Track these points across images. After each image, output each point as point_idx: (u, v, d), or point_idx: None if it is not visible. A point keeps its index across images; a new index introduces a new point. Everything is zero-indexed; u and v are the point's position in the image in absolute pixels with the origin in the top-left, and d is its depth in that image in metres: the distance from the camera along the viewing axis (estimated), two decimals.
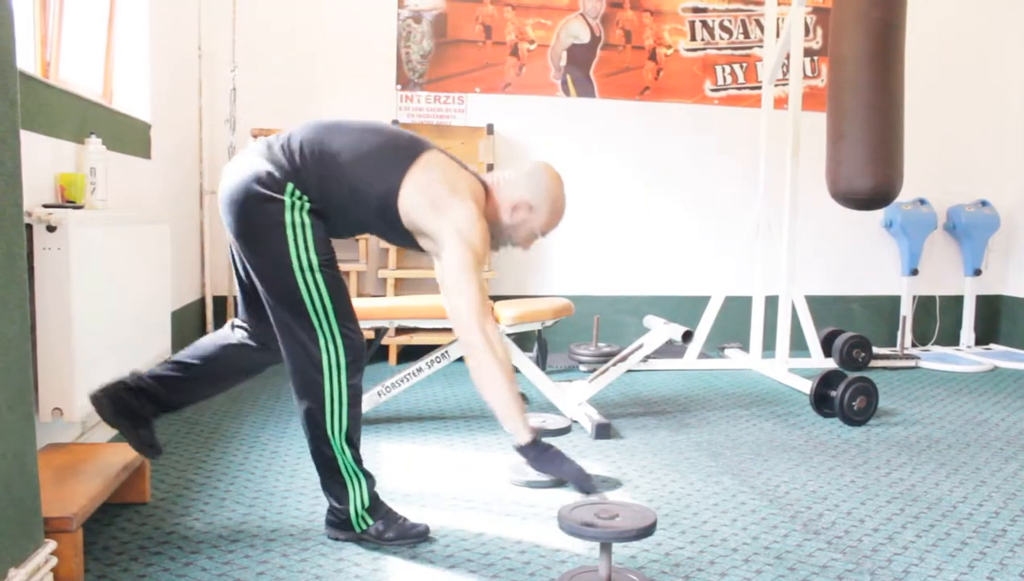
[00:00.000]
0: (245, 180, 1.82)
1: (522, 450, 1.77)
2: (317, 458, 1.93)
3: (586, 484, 1.76)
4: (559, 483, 2.39)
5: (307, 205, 1.80)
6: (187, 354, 2.06)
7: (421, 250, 1.96)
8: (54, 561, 1.57)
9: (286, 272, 1.79)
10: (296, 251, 1.78)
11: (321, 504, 2.25)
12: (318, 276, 1.80)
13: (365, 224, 1.97)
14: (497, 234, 2.05)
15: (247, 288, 1.99)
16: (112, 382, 1.98)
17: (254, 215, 1.79)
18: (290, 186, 1.79)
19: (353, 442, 1.91)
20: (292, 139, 1.87)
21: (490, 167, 4.40)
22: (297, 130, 1.91)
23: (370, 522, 1.93)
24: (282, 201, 1.78)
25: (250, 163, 1.84)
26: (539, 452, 1.74)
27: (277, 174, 1.80)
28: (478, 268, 1.84)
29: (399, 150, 1.91)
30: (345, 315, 1.84)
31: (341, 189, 1.84)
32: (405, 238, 1.93)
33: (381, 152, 1.88)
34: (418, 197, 1.88)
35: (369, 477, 1.97)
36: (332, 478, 1.94)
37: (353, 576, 1.84)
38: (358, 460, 1.94)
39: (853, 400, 3.21)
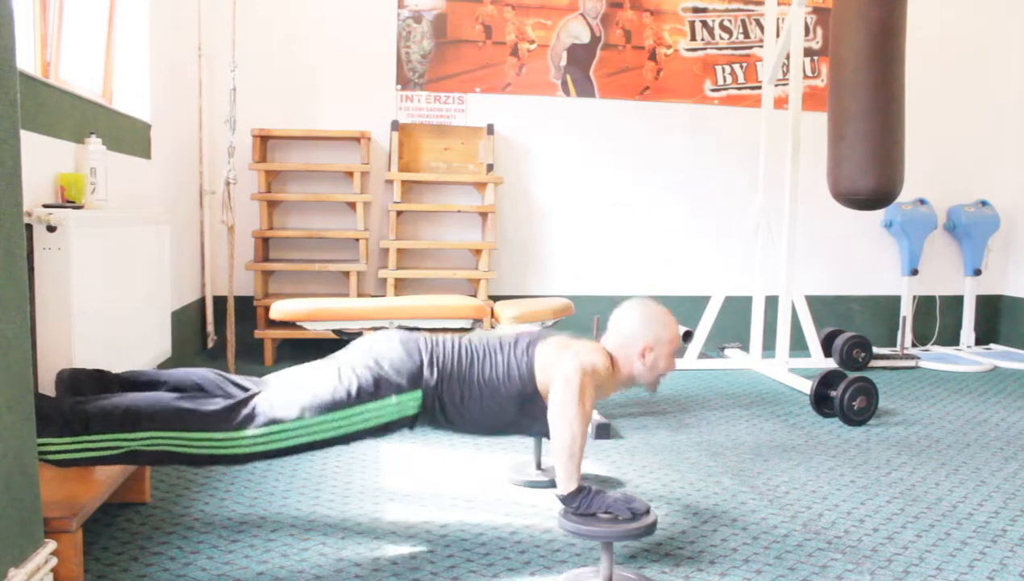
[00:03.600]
0: None
1: (567, 498, 1.76)
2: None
3: (636, 505, 1.74)
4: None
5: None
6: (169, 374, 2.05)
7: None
8: (54, 561, 1.57)
9: None
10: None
11: (321, 504, 2.26)
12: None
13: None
14: (635, 383, 2.11)
15: None
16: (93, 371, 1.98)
17: None
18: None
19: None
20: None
21: (490, 167, 4.41)
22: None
23: None
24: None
25: None
26: (584, 496, 1.74)
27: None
28: (590, 382, 1.85)
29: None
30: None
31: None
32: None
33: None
34: (551, 352, 1.99)
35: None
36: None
37: (353, 576, 1.84)
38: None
39: (853, 400, 3.21)
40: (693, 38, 4.77)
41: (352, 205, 4.30)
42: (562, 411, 1.81)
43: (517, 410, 1.99)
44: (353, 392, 1.88)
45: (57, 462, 1.76)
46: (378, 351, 1.96)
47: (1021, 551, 2.06)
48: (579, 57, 4.65)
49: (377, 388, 1.90)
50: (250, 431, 1.81)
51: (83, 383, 1.92)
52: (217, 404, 1.82)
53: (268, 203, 4.27)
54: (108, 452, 1.77)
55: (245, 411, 1.82)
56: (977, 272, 5.04)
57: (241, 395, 1.87)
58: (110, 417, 1.76)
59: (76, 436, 1.75)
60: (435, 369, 1.95)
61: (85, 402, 1.79)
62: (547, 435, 1.95)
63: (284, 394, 1.87)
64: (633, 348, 2.05)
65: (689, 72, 4.78)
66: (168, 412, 1.79)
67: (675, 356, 2.11)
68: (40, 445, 1.71)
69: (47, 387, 2.01)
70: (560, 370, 1.88)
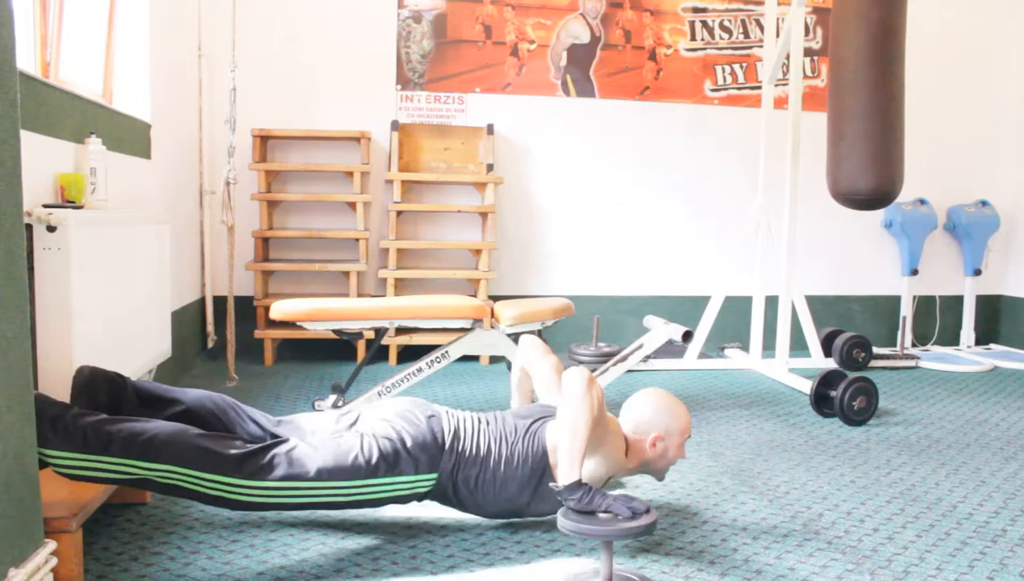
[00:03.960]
0: None
1: (567, 489, 1.76)
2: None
3: (636, 505, 1.74)
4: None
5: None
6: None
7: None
8: (54, 561, 1.57)
9: None
10: None
11: None
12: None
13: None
14: (644, 470, 2.15)
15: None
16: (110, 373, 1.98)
17: None
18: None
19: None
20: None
21: (490, 167, 4.41)
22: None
23: None
24: None
25: None
26: (585, 491, 1.75)
27: None
28: (593, 409, 1.86)
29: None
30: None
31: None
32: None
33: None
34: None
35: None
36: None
37: (353, 576, 1.84)
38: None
39: (853, 400, 3.21)
40: (693, 38, 4.77)
41: (352, 205, 4.30)
42: (569, 398, 1.83)
43: (531, 493, 2.03)
44: (372, 463, 1.91)
45: (65, 474, 1.76)
46: (402, 426, 1.99)
47: (1021, 551, 2.06)
48: (579, 57, 4.65)
49: (395, 464, 1.93)
50: (265, 482, 1.82)
51: (99, 385, 1.92)
52: (237, 448, 1.82)
53: (268, 203, 4.27)
54: (119, 476, 1.77)
55: (263, 460, 1.83)
56: (977, 272, 5.04)
57: (260, 442, 1.88)
58: (131, 444, 1.75)
59: (93, 455, 1.75)
60: (454, 455, 1.99)
61: (108, 423, 1.78)
62: (550, 514, 2.01)
63: (304, 452, 1.87)
64: (645, 436, 2.10)
65: (689, 72, 4.78)
66: (189, 450, 1.78)
67: (684, 446, 2.15)
68: (52, 456, 1.72)
69: (47, 387, 2.01)
70: (567, 371, 1.90)
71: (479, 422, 2.09)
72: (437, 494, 2.02)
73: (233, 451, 1.81)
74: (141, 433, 1.77)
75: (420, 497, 2.02)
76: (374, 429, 1.97)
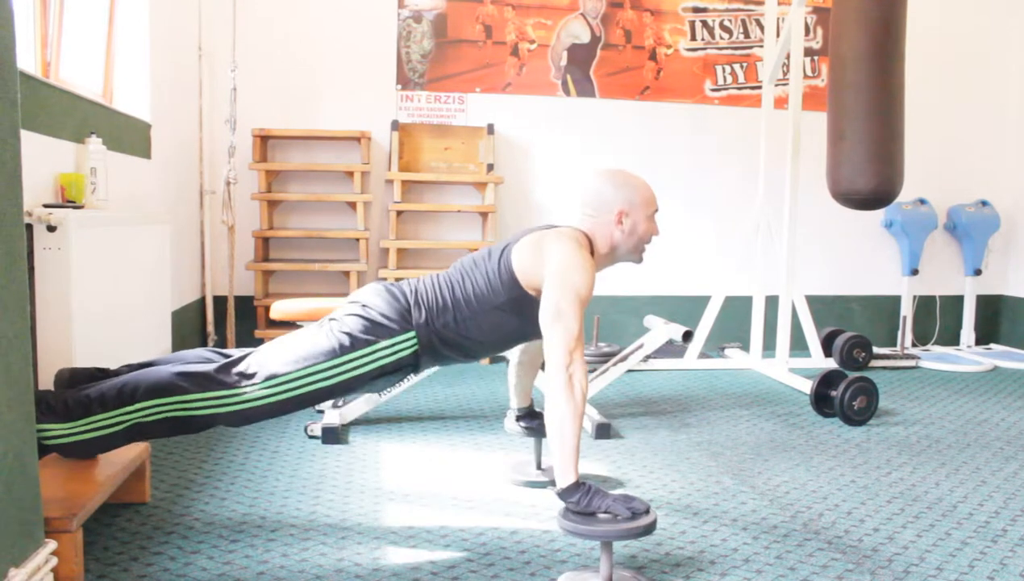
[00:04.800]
0: None
1: (565, 492, 1.75)
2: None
3: (636, 505, 1.73)
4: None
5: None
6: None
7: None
8: (54, 561, 1.57)
9: None
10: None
11: (321, 504, 2.26)
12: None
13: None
14: (619, 256, 2.11)
15: None
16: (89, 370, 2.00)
17: None
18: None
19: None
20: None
21: (490, 167, 4.41)
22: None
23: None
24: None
25: None
26: (583, 492, 1.73)
27: None
28: (577, 309, 1.84)
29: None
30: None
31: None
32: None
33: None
34: (526, 252, 1.97)
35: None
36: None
37: (353, 576, 1.84)
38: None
39: (853, 400, 3.21)
40: (693, 38, 4.77)
41: (352, 205, 4.30)
42: (553, 403, 1.79)
43: (515, 317, 1.99)
44: (345, 341, 1.91)
45: (61, 447, 1.77)
46: (364, 300, 2.00)
47: (1021, 551, 2.06)
48: (579, 57, 4.65)
49: (368, 333, 1.93)
50: (249, 386, 1.84)
51: (81, 382, 1.93)
52: (212, 365, 1.85)
53: (268, 203, 4.27)
54: (111, 429, 1.79)
55: (240, 368, 1.86)
56: (977, 272, 5.04)
57: (235, 355, 1.91)
58: (108, 395, 1.79)
59: (79, 420, 1.77)
60: (422, 308, 1.97)
61: (83, 388, 1.83)
62: None
63: (278, 349, 1.91)
64: (608, 217, 2.03)
65: (689, 72, 4.78)
66: (165, 379, 1.82)
67: (655, 219, 2.07)
68: (43, 430, 1.73)
69: (47, 387, 2.02)
70: (547, 356, 1.83)
71: (437, 275, 2.07)
72: (428, 352, 1.99)
73: (208, 368, 1.84)
74: (115, 383, 1.82)
75: (413, 364, 1.99)
76: (340, 313, 1.98)
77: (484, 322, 1.99)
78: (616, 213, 2.02)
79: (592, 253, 2.04)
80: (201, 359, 2.00)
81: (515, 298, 1.99)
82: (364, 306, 1.98)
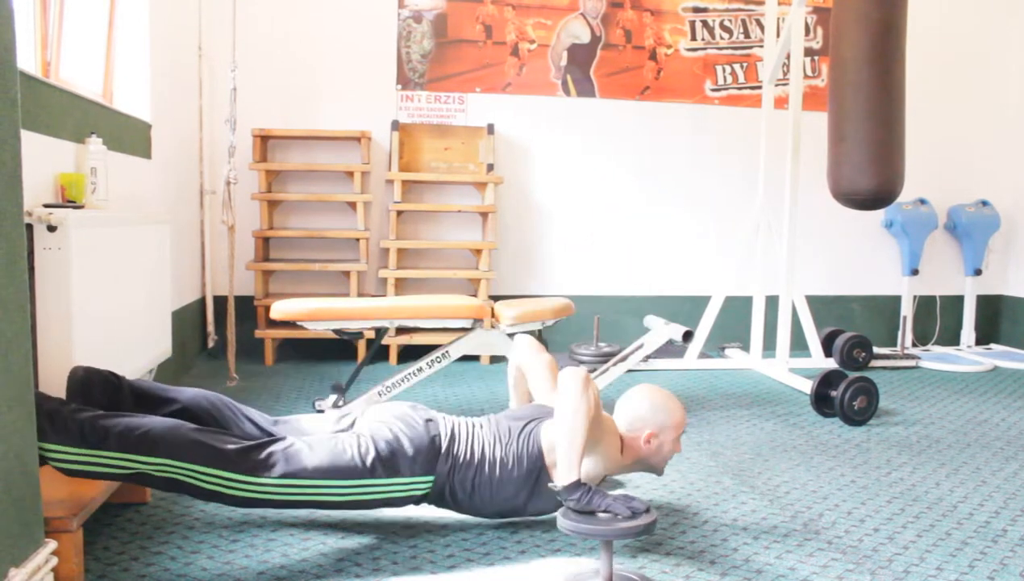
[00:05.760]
0: None
1: (566, 489, 1.77)
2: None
3: (636, 504, 1.74)
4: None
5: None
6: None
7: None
8: (54, 561, 1.57)
9: None
10: None
11: None
12: None
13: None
14: (640, 468, 2.15)
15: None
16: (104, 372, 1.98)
17: None
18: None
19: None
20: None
21: (490, 167, 4.41)
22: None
23: None
24: None
25: None
26: (584, 491, 1.75)
27: None
28: (593, 382, 1.90)
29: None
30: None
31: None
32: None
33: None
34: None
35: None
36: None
37: (353, 576, 1.84)
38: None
39: (853, 400, 3.21)
40: (693, 38, 4.77)
41: (352, 205, 4.30)
42: (564, 401, 1.83)
43: (527, 491, 2.03)
44: (368, 464, 1.91)
45: (64, 470, 1.76)
46: (399, 427, 1.99)
47: (1021, 551, 2.06)
48: (579, 57, 4.65)
49: (392, 465, 1.93)
50: (263, 479, 1.82)
51: (95, 385, 1.92)
52: (235, 444, 1.83)
53: (268, 203, 4.27)
54: (117, 471, 1.78)
55: (260, 456, 1.83)
56: (978, 272, 5.04)
57: (257, 439, 1.89)
58: (127, 438, 1.75)
59: (90, 449, 1.75)
60: (451, 457, 2.00)
61: (104, 417, 1.78)
62: (548, 512, 2.03)
63: (301, 450, 1.88)
64: (638, 434, 2.10)
65: (689, 72, 4.78)
66: (186, 444, 1.79)
67: (679, 441, 2.14)
68: (51, 450, 1.72)
69: (47, 387, 2.01)
70: (564, 371, 1.90)
71: (474, 426, 2.10)
72: (434, 497, 2.02)
73: (230, 446, 1.81)
74: (137, 427, 1.78)
75: (417, 500, 2.02)
76: (372, 430, 1.97)
77: (497, 492, 2.02)
78: (647, 434, 2.09)
79: (621, 451, 2.10)
80: (219, 412, 2.00)
81: (534, 471, 2.02)
82: (398, 435, 1.97)
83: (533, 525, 2.15)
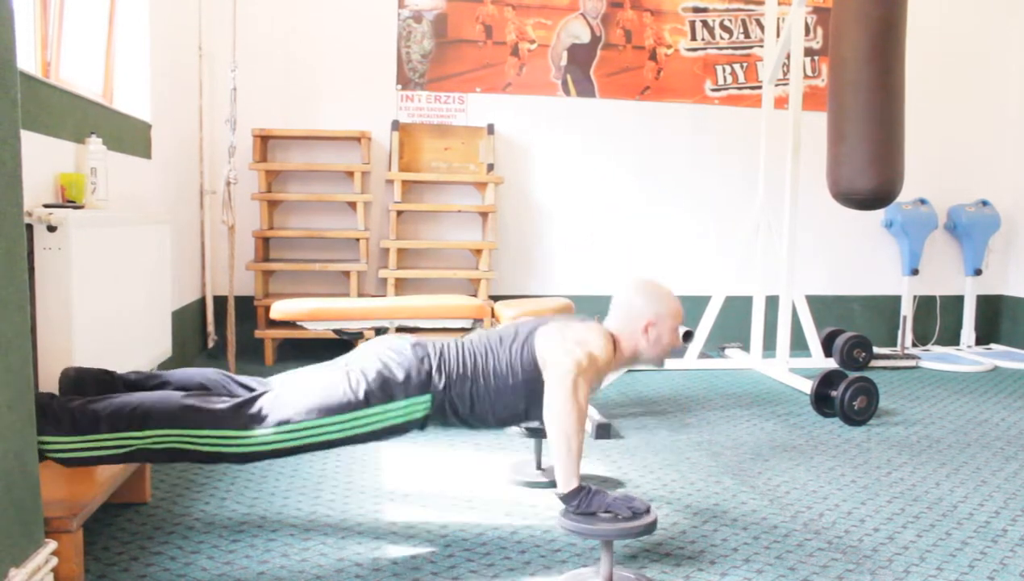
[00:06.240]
0: None
1: (566, 497, 1.76)
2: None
3: (636, 504, 1.74)
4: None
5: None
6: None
7: None
8: (54, 561, 1.57)
9: None
10: None
11: (322, 504, 2.26)
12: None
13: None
14: (639, 361, 2.13)
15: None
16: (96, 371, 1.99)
17: None
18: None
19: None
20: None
21: (490, 167, 4.41)
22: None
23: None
24: None
25: None
26: (584, 495, 1.74)
27: None
28: (587, 355, 1.89)
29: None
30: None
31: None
32: None
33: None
34: (550, 337, 2.00)
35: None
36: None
37: (353, 576, 1.84)
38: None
39: (853, 400, 3.21)
40: (693, 38, 4.77)
41: (352, 205, 4.30)
42: (555, 410, 1.81)
43: (525, 399, 2.00)
44: (361, 395, 1.89)
45: (63, 460, 1.77)
46: (387, 355, 1.98)
47: (1021, 551, 2.06)
48: (579, 57, 4.65)
49: (385, 391, 1.91)
50: (259, 430, 1.82)
51: (87, 383, 1.92)
52: (225, 403, 1.83)
53: (268, 203, 4.27)
54: (115, 451, 1.78)
55: (253, 410, 1.84)
56: (978, 272, 5.04)
57: (248, 394, 1.89)
58: (118, 416, 1.77)
59: (84, 435, 1.76)
60: (443, 374, 1.98)
61: (93, 402, 1.80)
62: None
63: (293, 394, 1.88)
64: (636, 325, 2.06)
65: (689, 72, 4.78)
66: (176, 410, 1.80)
67: (678, 331, 2.12)
68: (47, 443, 1.72)
69: (47, 387, 2.01)
70: (551, 369, 1.89)
71: (463, 342, 2.08)
72: (436, 417, 2.00)
73: (221, 405, 1.82)
74: (127, 404, 1.79)
75: (421, 424, 1.99)
76: (360, 364, 1.96)
77: (497, 400, 2.00)
78: (644, 324, 2.06)
79: (615, 351, 2.08)
80: (215, 385, 1.98)
81: (531, 381, 2.00)
82: (386, 361, 1.96)
83: (533, 525, 2.15)
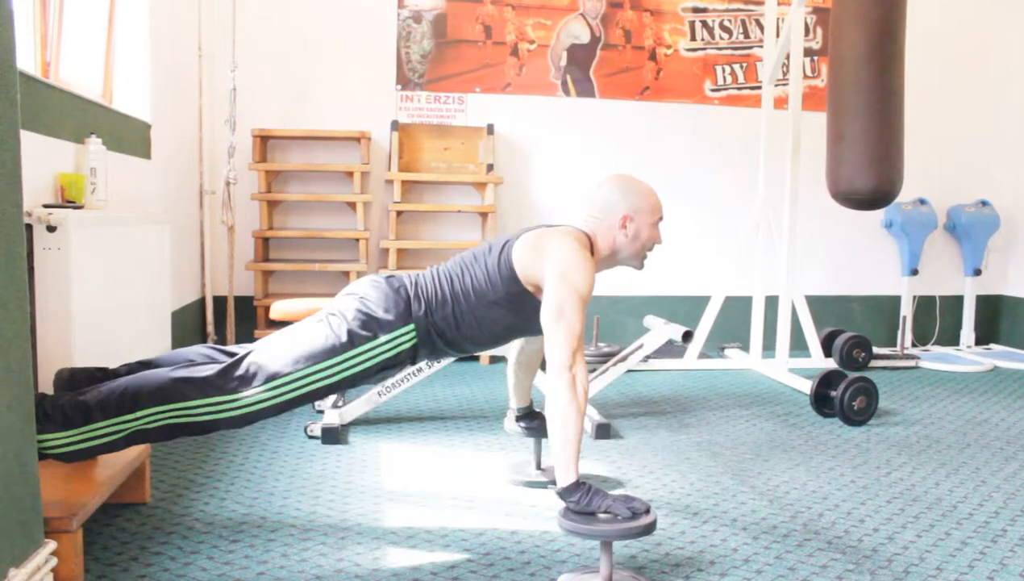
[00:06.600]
0: None
1: (565, 491, 1.75)
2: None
3: (636, 505, 1.73)
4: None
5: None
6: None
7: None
8: (54, 561, 1.57)
9: None
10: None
11: (321, 504, 2.26)
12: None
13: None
14: (620, 260, 2.10)
15: None
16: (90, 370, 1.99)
17: None
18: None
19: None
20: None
21: (490, 167, 4.41)
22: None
23: None
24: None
25: None
26: (583, 492, 1.73)
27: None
28: (578, 308, 1.85)
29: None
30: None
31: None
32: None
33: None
34: (527, 248, 1.97)
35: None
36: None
37: (353, 576, 1.84)
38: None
39: (853, 400, 3.21)
40: (693, 38, 4.77)
41: (352, 205, 4.30)
42: (554, 403, 1.80)
43: (512, 313, 2.00)
44: (344, 336, 1.90)
45: (62, 455, 1.77)
46: (362, 293, 1.98)
47: (1021, 551, 2.06)
48: (579, 57, 4.65)
49: (368, 328, 1.92)
50: (250, 390, 1.83)
51: (81, 383, 1.93)
52: (211, 369, 1.84)
53: (268, 203, 4.27)
54: (112, 437, 1.79)
55: (239, 372, 1.84)
56: (977, 272, 5.04)
57: (231, 358, 1.89)
58: (108, 402, 1.78)
59: (78, 428, 1.76)
60: (422, 300, 1.97)
61: (82, 393, 1.81)
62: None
63: (277, 349, 1.89)
64: (612, 220, 2.04)
65: (689, 72, 4.78)
66: (165, 383, 1.81)
67: (658, 228, 2.07)
68: (44, 441, 1.73)
69: (47, 387, 2.01)
70: (549, 356, 1.83)
71: (438, 268, 2.08)
72: (425, 346, 2.00)
73: (207, 373, 1.82)
74: (115, 389, 1.79)
75: (411, 357, 1.99)
76: (339, 308, 1.97)
77: (482, 317, 1.99)
78: (621, 217, 2.03)
79: (592, 253, 2.04)
80: (201, 358, 1.99)
81: (513, 294, 1.99)
82: (363, 299, 1.97)
83: (533, 525, 2.15)
